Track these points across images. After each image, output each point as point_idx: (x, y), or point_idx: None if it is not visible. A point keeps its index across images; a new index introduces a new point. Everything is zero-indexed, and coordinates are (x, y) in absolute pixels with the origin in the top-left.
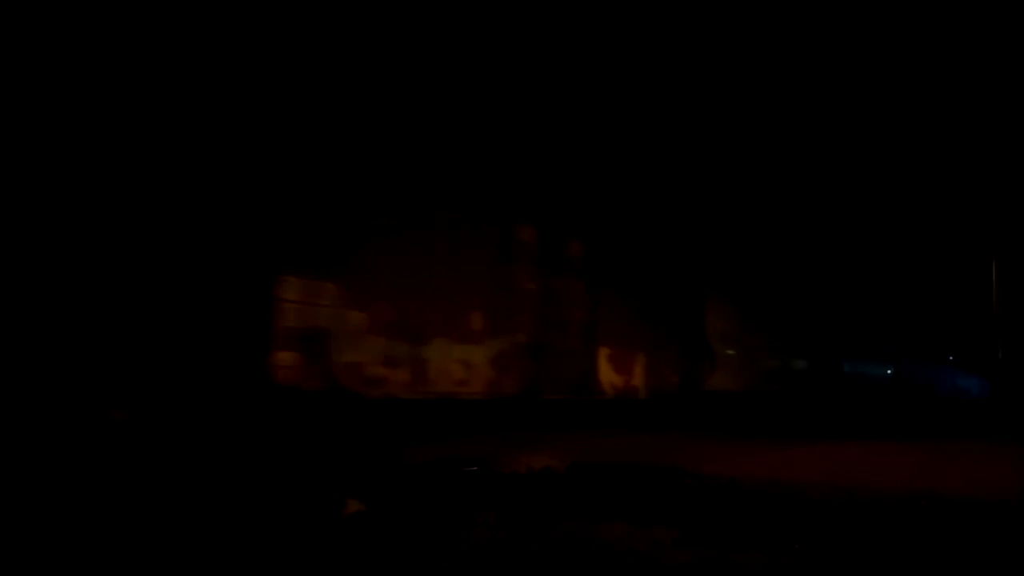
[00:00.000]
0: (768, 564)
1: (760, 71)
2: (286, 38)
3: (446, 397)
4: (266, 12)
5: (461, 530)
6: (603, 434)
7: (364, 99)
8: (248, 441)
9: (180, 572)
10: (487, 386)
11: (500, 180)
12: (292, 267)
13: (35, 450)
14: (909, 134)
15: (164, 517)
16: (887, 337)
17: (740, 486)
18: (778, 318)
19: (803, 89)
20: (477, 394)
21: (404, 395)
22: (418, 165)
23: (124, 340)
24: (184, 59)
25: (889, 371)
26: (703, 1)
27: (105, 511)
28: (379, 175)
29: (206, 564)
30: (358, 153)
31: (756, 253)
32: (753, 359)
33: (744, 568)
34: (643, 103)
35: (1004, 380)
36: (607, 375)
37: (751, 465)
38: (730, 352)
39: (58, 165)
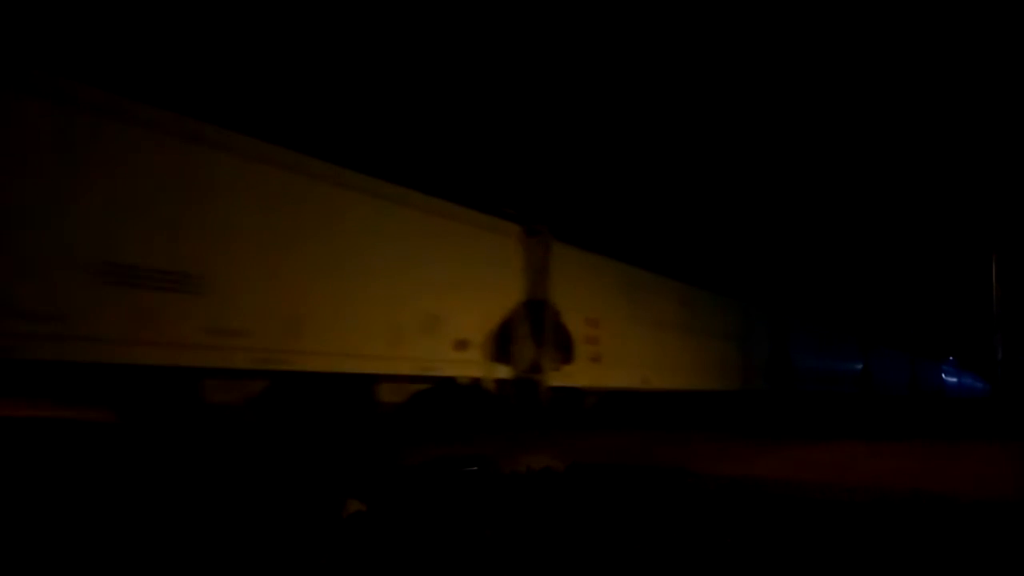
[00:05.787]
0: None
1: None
2: None
3: None
4: None
5: (461, 530)
6: None
7: None
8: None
9: (184, 570)
10: None
11: None
12: None
13: None
14: (908, 133)
15: (168, 514)
16: (857, 329)
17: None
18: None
19: (798, 87)
20: None
21: None
22: None
23: None
24: None
25: (859, 366)
26: None
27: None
28: None
29: (209, 563)
30: None
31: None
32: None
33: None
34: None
35: (1004, 380)
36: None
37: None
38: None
39: None
